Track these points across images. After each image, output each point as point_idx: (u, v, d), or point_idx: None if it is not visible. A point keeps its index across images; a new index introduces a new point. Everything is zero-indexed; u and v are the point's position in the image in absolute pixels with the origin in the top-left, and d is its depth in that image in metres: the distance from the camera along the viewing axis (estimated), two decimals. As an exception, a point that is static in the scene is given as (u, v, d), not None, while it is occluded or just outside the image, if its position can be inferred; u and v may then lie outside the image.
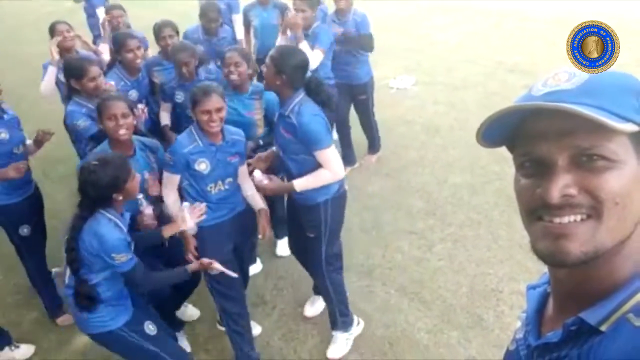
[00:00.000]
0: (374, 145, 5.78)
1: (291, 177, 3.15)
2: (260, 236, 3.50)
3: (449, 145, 5.96)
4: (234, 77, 3.66)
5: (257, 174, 3.19)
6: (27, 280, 3.93)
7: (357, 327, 3.67)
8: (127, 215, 2.77)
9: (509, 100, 0.89)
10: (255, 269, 4.23)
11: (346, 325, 3.58)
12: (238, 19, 5.87)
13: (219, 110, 2.96)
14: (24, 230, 3.67)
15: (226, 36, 5.16)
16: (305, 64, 3.07)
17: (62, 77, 3.97)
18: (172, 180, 3.12)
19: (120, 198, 2.64)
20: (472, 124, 6.05)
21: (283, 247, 4.42)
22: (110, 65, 4.30)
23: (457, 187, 5.20)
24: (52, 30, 4.58)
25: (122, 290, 2.79)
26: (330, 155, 3.03)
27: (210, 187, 3.10)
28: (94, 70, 3.54)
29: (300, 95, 3.02)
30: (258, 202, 3.36)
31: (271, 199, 3.75)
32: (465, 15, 10.68)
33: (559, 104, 0.79)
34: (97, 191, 2.54)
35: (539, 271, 0.92)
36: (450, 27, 10.08)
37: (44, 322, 4.00)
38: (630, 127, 0.79)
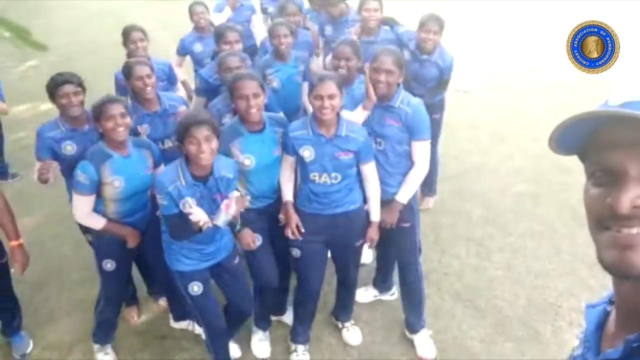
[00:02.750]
0: (431, 184, 4.93)
1: (382, 173, 3.27)
2: (367, 244, 3.43)
3: (514, 153, 5.82)
4: (342, 71, 3.58)
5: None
6: (94, 257, 4.07)
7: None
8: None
9: (577, 110, 0.87)
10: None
11: (423, 326, 3.64)
12: (256, 20, 5.83)
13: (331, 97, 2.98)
14: None
15: None
16: None
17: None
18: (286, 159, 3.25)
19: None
20: (538, 133, 5.89)
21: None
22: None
23: (520, 196, 5.08)
24: (126, 36, 4.45)
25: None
26: (426, 149, 3.29)
27: (314, 176, 3.15)
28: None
29: (403, 90, 3.26)
30: (372, 213, 3.32)
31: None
32: (536, 21, 10.37)
33: (637, 112, 0.78)
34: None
35: (601, 288, 0.91)
36: (520, 32, 9.83)
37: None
38: None
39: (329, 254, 3.51)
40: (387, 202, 3.31)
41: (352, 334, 3.70)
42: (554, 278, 4.07)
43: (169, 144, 3.64)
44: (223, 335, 3.37)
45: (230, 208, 2.80)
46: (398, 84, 3.21)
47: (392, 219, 3.32)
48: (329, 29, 4.98)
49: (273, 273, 3.42)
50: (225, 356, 3.42)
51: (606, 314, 0.98)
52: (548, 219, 4.73)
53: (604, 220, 0.83)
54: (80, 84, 3.44)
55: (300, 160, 3.17)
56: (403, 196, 3.29)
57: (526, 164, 5.56)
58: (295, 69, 4.18)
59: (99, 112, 3.03)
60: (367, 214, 3.30)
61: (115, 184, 3.09)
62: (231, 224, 3.02)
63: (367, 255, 4.14)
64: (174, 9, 10.12)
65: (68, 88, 3.37)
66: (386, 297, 4.02)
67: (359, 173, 3.23)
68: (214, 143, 2.78)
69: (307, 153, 3.09)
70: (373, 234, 3.33)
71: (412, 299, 3.60)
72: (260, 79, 3.15)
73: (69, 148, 3.40)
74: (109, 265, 3.36)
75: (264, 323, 3.69)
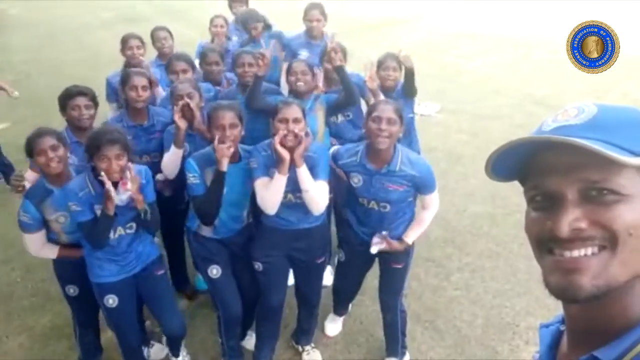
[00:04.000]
0: None
1: (387, 225, 3.21)
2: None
3: (471, 175, 5.93)
4: (300, 84, 3.70)
5: (374, 249, 3.21)
6: (44, 283, 3.96)
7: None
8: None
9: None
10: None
11: (404, 353, 3.63)
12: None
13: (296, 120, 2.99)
14: None
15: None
16: None
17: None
18: None
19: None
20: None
21: None
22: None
23: (477, 217, 5.16)
24: (124, 43, 4.54)
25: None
26: (436, 195, 3.21)
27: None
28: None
29: (399, 148, 3.09)
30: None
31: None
32: (494, 44, 10.68)
33: (567, 138, 0.79)
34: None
35: (557, 308, 0.91)
36: (478, 56, 10.09)
37: (58, 327, 4.02)
38: (638, 161, 0.79)
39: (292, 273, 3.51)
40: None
41: (312, 357, 3.65)
42: (511, 297, 4.13)
43: (147, 159, 3.60)
44: (138, 351, 3.36)
45: (126, 185, 2.83)
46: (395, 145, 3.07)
47: (391, 248, 3.22)
48: (304, 53, 4.78)
49: (236, 303, 3.37)
50: None
51: (559, 333, 0.98)
52: (504, 240, 4.81)
53: (545, 243, 0.84)
54: (93, 98, 3.46)
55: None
56: (411, 236, 3.26)
57: (482, 185, 5.66)
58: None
59: (30, 148, 2.93)
60: (329, 232, 3.34)
61: (60, 220, 3.01)
62: (140, 213, 2.95)
63: (328, 278, 4.11)
64: (138, 30, 10.06)
65: (80, 100, 3.39)
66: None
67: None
68: (123, 160, 2.81)
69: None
70: (396, 245, 3.21)
71: (390, 336, 3.59)
72: (239, 110, 3.13)
73: (70, 160, 3.28)
74: (72, 290, 3.28)
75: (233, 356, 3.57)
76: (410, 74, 4.17)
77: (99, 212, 2.86)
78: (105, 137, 2.77)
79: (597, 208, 0.80)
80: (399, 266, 3.33)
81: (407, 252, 3.32)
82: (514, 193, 5.31)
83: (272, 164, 3.05)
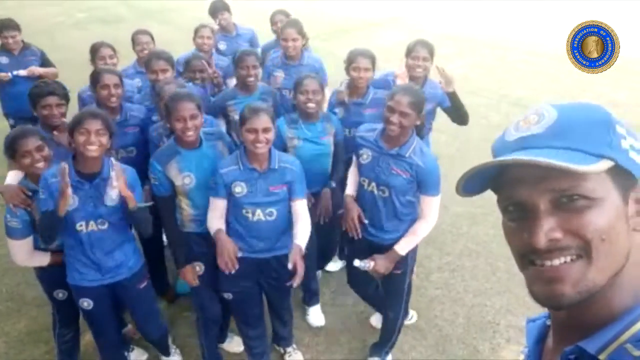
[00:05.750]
0: None
1: (380, 217, 3.12)
2: (293, 281, 3.03)
3: (450, 175, 5.92)
4: (311, 105, 3.43)
5: (357, 262, 3.08)
6: (19, 287, 3.87)
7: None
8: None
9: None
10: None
11: (387, 353, 3.63)
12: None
13: (265, 130, 2.85)
14: None
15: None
16: None
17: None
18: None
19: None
20: (473, 155, 6.07)
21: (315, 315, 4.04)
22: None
23: (457, 217, 5.19)
24: (95, 52, 4.34)
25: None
26: (436, 204, 3.09)
27: (247, 212, 2.98)
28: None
29: (416, 138, 3.03)
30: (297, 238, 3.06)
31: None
32: (471, 46, 10.78)
33: (531, 158, 0.80)
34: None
35: (536, 305, 0.92)
36: (455, 57, 10.16)
37: (35, 331, 3.95)
38: (605, 165, 0.80)
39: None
40: (381, 247, 3.14)
41: (294, 359, 3.64)
42: (492, 296, 4.17)
43: (122, 154, 3.57)
44: (117, 357, 3.32)
45: (114, 181, 2.76)
46: (413, 130, 3.02)
47: (385, 270, 3.08)
48: (279, 75, 4.45)
49: (215, 305, 3.33)
50: None
51: (546, 328, 1.00)
52: (484, 239, 4.86)
53: (526, 255, 0.86)
54: (64, 96, 3.45)
55: (231, 197, 2.99)
56: (403, 248, 3.09)
57: (462, 185, 5.70)
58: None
59: (13, 150, 2.86)
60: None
61: None
62: (137, 209, 2.88)
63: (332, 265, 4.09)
64: (112, 31, 9.95)
65: (51, 100, 3.37)
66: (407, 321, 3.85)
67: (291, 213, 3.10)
68: (105, 139, 2.77)
69: (239, 189, 2.95)
70: (295, 257, 2.93)
71: (383, 334, 3.58)
72: (199, 100, 3.05)
73: None
74: (61, 294, 3.21)
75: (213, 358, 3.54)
76: (454, 100, 3.95)
77: (73, 201, 2.74)
78: (88, 111, 2.83)
79: (569, 216, 0.81)
80: (398, 272, 3.21)
81: (404, 259, 3.17)
82: (493, 193, 5.37)
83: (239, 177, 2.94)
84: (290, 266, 2.92)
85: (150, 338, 3.41)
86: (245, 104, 3.07)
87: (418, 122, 2.99)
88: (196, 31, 4.84)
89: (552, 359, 0.92)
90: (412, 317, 3.93)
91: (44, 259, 3.04)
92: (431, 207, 3.08)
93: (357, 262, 3.07)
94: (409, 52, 3.92)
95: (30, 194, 2.89)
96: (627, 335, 0.80)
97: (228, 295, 3.19)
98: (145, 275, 3.22)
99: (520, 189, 0.85)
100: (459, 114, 4.06)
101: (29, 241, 2.95)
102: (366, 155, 3.12)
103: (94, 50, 4.34)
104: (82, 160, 2.80)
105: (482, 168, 0.87)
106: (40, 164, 2.85)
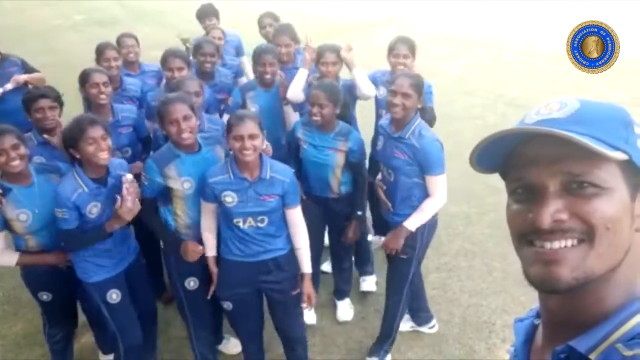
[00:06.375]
0: None
1: (394, 199, 3.27)
2: (304, 304, 3.16)
3: (446, 175, 5.95)
4: (316, 118, 3.38)
5: (371, 237, 3.23)
6: (16, 290, 3.87)
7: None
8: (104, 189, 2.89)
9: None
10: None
11: (387, 352, 3.63)
12: (246, 61, 5.38)
13: (252, 137, 2.78)
14: None
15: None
16: None
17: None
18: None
19: (78, 156, 2.81)
20: (468, 156, 6.07)
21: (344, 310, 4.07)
22: None
23: (452, 217, 5.20)
24: (100, 53, 4.27)
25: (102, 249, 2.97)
26: (441, 182, 3.17)
27: (238, 222, 2.94)
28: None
29: (418, 119, 3.13)
30: (303, 264, 3.09)
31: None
32: (466, 46, 10.79)
33: (552, 130, 0.81)
34: (63, 142, 2.85)
35: (532, 304, 0.92)
36: (451, 58, 10.18)
37: (31, 334, 3.94)
38: (620, 156, 0.80)
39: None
40: (394, 228, 3.27)
41: None
42: (488, 296, 4.18)
43: (118, 155, 3.53)
44: (139, 349, 3.27)
45: (129, 192, 2.81)
46: (416, 112, 3.12)
47: (396, 245, 3.21)
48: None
49: (206, 313, 3.35)
50: None
51: (534, 327, 1.00)
52: (480, 239, 4.87)
53: (526, 235, 0.86)
54: (57, 98, 3.44)
55: (222, 206, 2.94)
56: (412, 223, 3.17)
57: (458, 185, 5.68)
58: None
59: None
60: (298, 262, 3.10)
61: (21, 218, 2.91)
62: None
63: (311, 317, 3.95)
64: (109, 33, 9.93)
65: (43, 102, 3.37)
66: (424, 329, 3.86)
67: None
68: (109, 142, 2.85)
69: (230, 199, 2.88)
70: (307, 288, 3.08)
71: (383, 328, 3.58)
72: (191, 101, 3.03)
73: (37, 161, 3.25)
74: (45, 296, 3.20)
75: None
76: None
77: (94, 210, 2.84)
78: (86, 120, 2.82)
79: (577, 200, 0.81)
80: (404, 256, 3.29)
81: (412, 244, 3.25)
82: (489, 193, 5.39)
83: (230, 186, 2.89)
84: (304, 302, 3.11)
85: (145, 314, 3.37)
86: (236, 112, 3.10)
87: (419, 105, 3.14)
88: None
89: (542, 358, 0.92)
90: (434, 326, 3.86)
91: (12, 259, 2.99)
92: (436, 186, 3.16)
93: (370, 237, 3.24)
94: (390, 50, 3.99)
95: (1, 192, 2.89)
96: (617, 334, 0.80)
97: (227, 305, 3.12)
98: (140, 252, 3.32)
99: (532, 169, 0.85)
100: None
101: (1, 237, 2.95)
102: (380, 142, 3.33)
103: (100, 52, 4.32)
104: (90, 168, 2.87)
105: (500, 135, 0.86)
106: (16, 162, 2.84)
